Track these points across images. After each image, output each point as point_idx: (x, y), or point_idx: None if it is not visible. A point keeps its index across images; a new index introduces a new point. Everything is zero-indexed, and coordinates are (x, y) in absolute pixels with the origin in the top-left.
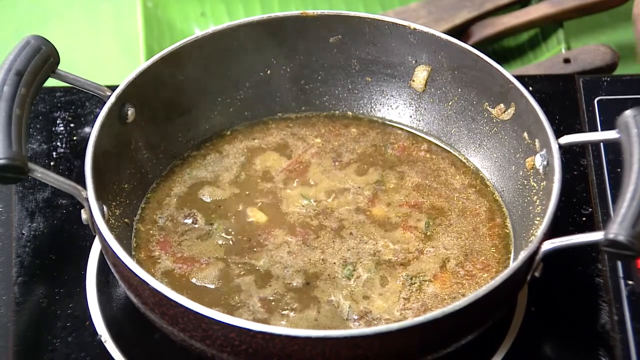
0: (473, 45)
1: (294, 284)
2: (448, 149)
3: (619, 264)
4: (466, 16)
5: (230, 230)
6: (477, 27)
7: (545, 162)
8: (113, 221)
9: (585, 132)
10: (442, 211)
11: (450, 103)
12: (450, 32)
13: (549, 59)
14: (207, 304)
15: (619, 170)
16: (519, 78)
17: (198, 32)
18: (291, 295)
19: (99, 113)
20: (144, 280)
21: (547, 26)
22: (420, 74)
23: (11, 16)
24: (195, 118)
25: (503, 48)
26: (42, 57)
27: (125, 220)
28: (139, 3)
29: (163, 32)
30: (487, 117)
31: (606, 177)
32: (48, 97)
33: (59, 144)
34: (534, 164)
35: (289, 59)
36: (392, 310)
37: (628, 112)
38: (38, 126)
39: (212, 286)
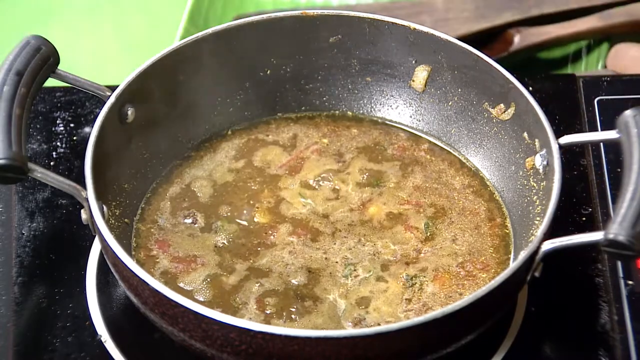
0: (515, 52)
1: (295, 284)
2: (448, 149)
3: (619, 264)
4: (509, 18)
5: (230, 229)
6: (522, 34)
7: (545, 162)
8: (113, 221)
9: (585, 132)
10: (442, 211)
11: (450, 103)
12: (487, 31)
13: None
14: (206, 304)
15: (618, 170)
16: (519, 78)
17: (198, 33)
18: (292, 295)
19: (99, 113)
20: (143, 281)
21: (593, 42)
22: (420, 74)
23: (11, 16)
24: (195, 118)
25: (547, 58)
26: (42, 57)
27: (125, 220)
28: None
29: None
30: (487, 117)
31: (606, 177)
32: (48, 97)
33: (59, 144)
34: (533, 164)
35: (289, 59)
36: (393, 311)
37: (628, 112)
38: (38, 126)
39: (212, 286)
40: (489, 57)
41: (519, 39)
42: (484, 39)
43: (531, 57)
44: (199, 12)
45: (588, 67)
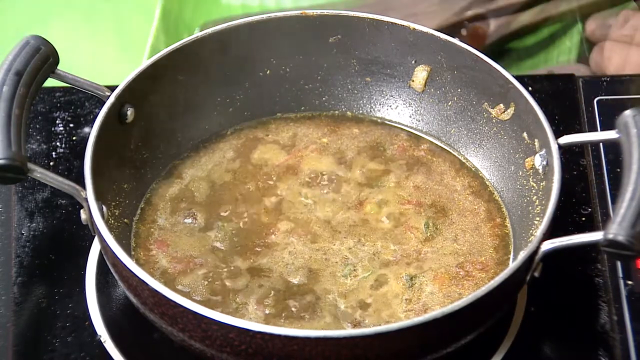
0: (490, 45)
1: (295, 284)
2: (448, 149)
3: (619, 264)
4: (478, 8)
5: (230, 229)
6: (494, 25)
7: (544, 162)
8: (112, 221)
9: (585, 132)
10: (442, 211)
11: (449, 103)
12: (458, 23)
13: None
14: (206, 304)
15: (618, 170)
16: (519, 78)
17: (198, 32)
18: (292, 295)
19: (99, 113)
20: (143, 281)
21: (566, 24)
22: (420, 74)
23: (11, 16)
24: (195, 118)
25: (518, 48)
26: (42, 57)
27: (125, 220)
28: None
29: (180, 34)
30: (487, 117)
31: (605, 177)
32: (47, 97)
33: (58, 144)
34: (533, 164)
35: (289, 59)
36: (394, 311)
37: (627, 112)
38: (37, 126)
39: (212, 286)
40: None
41: (492, 31)
42: (455, 34)
43: (504, 48)
44: (169, 20)
45: (561, 51)
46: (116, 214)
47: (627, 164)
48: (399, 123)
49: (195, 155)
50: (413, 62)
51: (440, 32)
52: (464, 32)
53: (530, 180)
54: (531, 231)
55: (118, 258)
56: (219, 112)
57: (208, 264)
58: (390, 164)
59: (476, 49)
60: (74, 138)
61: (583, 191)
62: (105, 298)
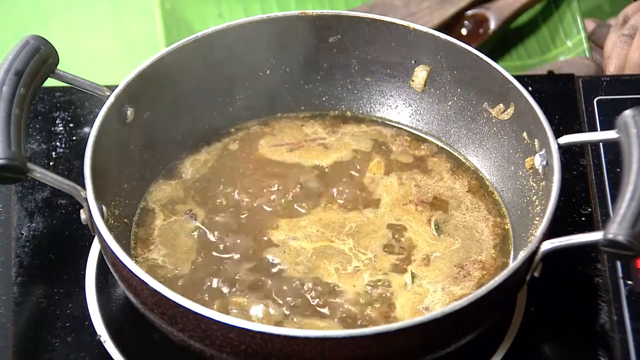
0: (490, 45)
1: (296, 282)
2: (447, 148)
3: (618, 264)
4: (477, 10)
5: (230, 228)
6: (493, 10)
7: (544, 162)
8: (112, 221)
9: (585, 132)
10: (442, 211)
11: (449, 103)
12: (457, 15)
13: (535, 69)
14: (206, 304)
15: (618, 170)
16: (519, 78)
17: (198, 32)
18: (293, 294)
19: (99, 113)
20: (143, 281)
21: (564, 27)
22: (420, 74)
23: (11, 16)
24: (195, 118)
25: (523, 42)
26: (41, 57)
27: (125, 220)
28: (157, 4)
29: (182, 33)
30: (487, 117)
31: (605, 177)
32: (47, 97)
33: (58, 144)
34: (533, 164)
35: (289, 59)
36: (394, 311)
37: (627, 112)
38: (37, 126)
39: (212, 285)
40: (480, 50)
41: (493, 17)
42: (455, 27)
43: (504, 48)
44: (169, 19)
45: (562, 51)
46: (116, 213)
47: (627, 164)
48: (398, 123)
49: (195, 155)
50: (413, 62)
51: (440, 31)
52: (464, 32)
53: (530, 180)
54: (531, 231)
55: (118, 258)
56: (219, 112)
57: (208, 264)
58: (390, 163)
59: (476, 48)
60: (73, 138)
61: (583, 191)
62: (105, 298)
